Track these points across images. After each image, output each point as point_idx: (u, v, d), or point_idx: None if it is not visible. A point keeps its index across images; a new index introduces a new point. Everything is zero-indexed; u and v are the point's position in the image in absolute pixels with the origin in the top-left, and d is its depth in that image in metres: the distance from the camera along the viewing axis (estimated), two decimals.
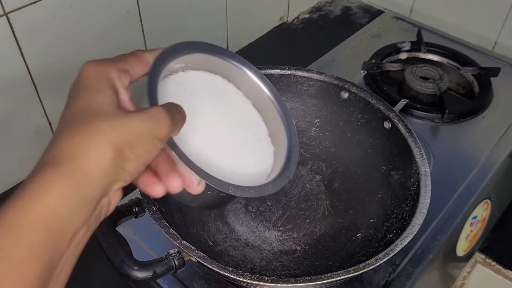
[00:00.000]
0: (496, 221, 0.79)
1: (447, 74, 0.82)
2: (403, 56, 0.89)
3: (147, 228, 0.59)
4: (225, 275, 0.44)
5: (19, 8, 0.59)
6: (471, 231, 0.70)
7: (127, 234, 0.59)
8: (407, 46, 0.89)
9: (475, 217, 0.69)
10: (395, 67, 0.84)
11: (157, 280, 0.55)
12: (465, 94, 0.85)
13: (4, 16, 0.58)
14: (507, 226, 0.80)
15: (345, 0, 1.13)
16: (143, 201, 0.50)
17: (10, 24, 0.59)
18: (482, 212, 0.71)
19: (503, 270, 0.74)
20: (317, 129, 0.68)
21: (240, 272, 0.44)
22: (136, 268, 0.43)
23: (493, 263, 0.75)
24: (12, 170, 0.70)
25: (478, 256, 0.76)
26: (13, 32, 0.60)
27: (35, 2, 0.60)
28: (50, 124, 0.71)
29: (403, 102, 0.72)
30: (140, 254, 0.54)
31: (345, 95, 0.65)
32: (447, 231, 0.62)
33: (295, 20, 1.08)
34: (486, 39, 0.95)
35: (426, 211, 0.49)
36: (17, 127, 0.67)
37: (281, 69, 0.66)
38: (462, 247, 0.69)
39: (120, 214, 0.49)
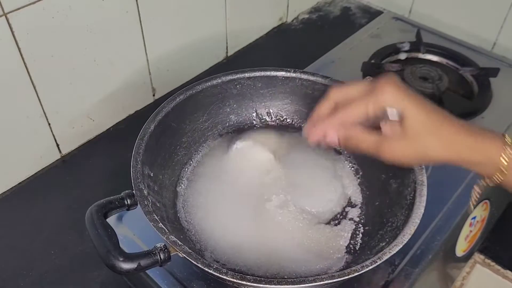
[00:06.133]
0: (495, 222, 0.79)
1: (446, 74, 0.82)
2: (403, 56, 0.89)
3: (141, 222, 0.59)
4: (209, 272, 0.44)
5: (18, 9, 0.59)
6: (470, 231, 0.70)
7: (122, 226, 0.60)
8: (406, 47, 0.89)
9: (474, 218, 0.69)
10: (394, 67, 0.84)
11: (156, 280, 0.55)
12: (464, 95, 0.85)
13: (3, 17, 0.58)
14: (506, 227, 0.80)
15: (344, 1, 1.13)
16: (135, 194, 0.50)
17: (9, 25, 0.59)
18: (481, 212, 0.71)
19: (502, 270, 0.74)
20: None
21: (224, 270, 0.44)
22: (121, 259, 0.43)
23: (492, 263, 0.75)
24: (12, 170, 0.70)
25: (478, 256, 0.76)
26: (12, 32, 0.60)
27: (34, 3, 0.60)
28: (49, 124, 0.71)
29: None
30: (132, 247, 0.55)
31: None
32: (447, 231, 0.62)
33: (294, 21, 1.08)
34: (485, 39, 0.95)
35: (418, 221, 0.49)
36: (16, 127, 0.67)
37: (286, 71, 0.66)
38: (461, 248, 0.69)
39: (111, 205, 0.49)
